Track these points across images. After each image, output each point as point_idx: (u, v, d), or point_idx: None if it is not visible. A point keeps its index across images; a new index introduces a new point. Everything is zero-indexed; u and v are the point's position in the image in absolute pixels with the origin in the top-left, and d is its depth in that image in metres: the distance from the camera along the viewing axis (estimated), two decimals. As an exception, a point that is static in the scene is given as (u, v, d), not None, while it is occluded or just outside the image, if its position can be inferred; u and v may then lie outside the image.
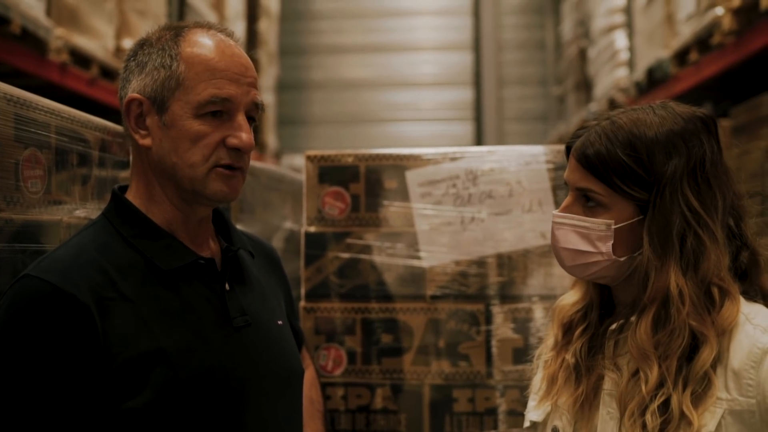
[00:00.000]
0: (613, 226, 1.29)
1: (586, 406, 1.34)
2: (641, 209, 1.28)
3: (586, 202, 1.32)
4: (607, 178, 1.28)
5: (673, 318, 1.24)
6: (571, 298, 1.44)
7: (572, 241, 1.32)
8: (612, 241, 1.29)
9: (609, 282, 1.36)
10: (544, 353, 1.46)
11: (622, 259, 1.30)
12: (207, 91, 1.30)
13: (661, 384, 1.24)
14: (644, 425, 1.23)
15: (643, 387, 1.25)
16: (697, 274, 1.25)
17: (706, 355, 1.22)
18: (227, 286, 1.37)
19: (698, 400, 1.22)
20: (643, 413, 1.24)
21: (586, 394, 1.34)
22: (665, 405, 1.23)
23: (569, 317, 1.41)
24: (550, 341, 1.45)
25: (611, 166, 1.28)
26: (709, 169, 1.28)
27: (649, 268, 1.27)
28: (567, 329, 1.41)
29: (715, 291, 1.26)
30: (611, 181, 1.28)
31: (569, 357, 1.37)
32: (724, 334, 1.24)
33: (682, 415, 1.21)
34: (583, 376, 1.35)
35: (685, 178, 1.27)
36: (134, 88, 1.33)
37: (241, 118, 1.33)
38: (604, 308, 1.40)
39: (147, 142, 1.33)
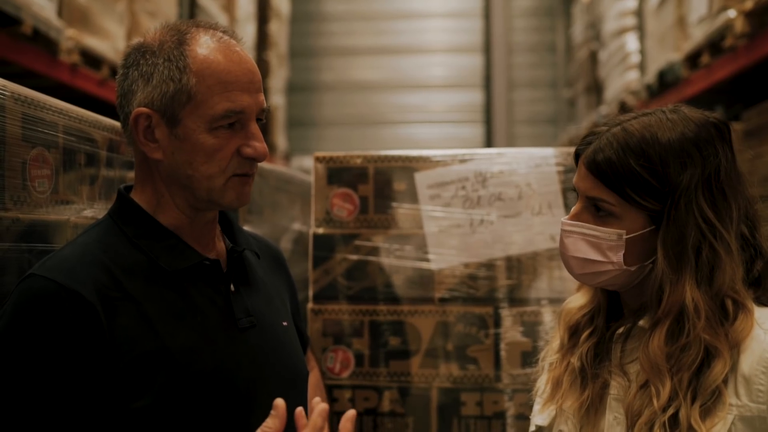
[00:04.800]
0: (625, 237, 1.26)
1: (591, 411, 1.33)
2: (653, 219, 1.26)
3: (596, 211, 1.29)
4: (619, 188, 1.26)
5: (688, 332, 1.22)
6: (578, 301, 1.42)
7: (582, 249, 1.30)
8: (623, 251, 1.27)
9: (618, 288, 1.34)
10: (549, 355, 1.45)
11: (633, 268, 1.28)
12: (221, 105, 1.27)
13: (671, 398, 1.22)
14: None
15: (655, 402, 1.22)
16: (712, 287, 1.23)
17: (719, 369, 1.20)
18: (232, 287, 1.36)
19: (707, 413, 1.20)
20: (651, 427, 1.22)
21: (592, 399, 1.33)
22: (674, 417, 1.21)
23: (576, 321, 1.40)
24: (555, 343, 1.44)
25: (624, 176, 1.25)
26: (723, 178, 1.25)
27: (664, 281, 1.24)
28: (573, 332, 1.40)
29: (729, 303, 1.23)
30: (623, 192, 1.25)
31: (575, 361, 1.36)
32: (737, 346, 1.22)
33: (690, 428, 1.19)
34: (589, 381, 1.34)
35: (700, 189, 1.24)
36: (140, 100, 1.29)
37: (254, 127, 1.31)
38: (611, 312, 1.38)
39: (158, 155, 1.30)
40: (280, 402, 1.18)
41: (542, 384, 1.45)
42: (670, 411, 1.21)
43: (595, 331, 1.37)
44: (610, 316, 1.38)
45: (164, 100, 1.28)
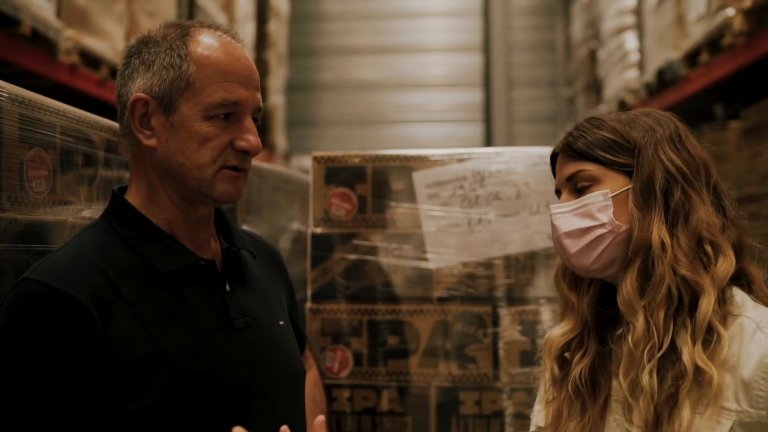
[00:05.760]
0: (610, 195, 1.31)
1: (594, 431, 1.33)
2: (631, 177, 1.31)
3: (578, 192, 1.34)
4: (593, 154, 1.33)
5: (657, 268, 1.26)
6: (560, 329, 1.41)
7: (573, 222, 1.32)
8: (612, 210, 1.30)
9: (617, 270, 1.33)
10: (545, 392, 1.43)
11: (626, 226, 1.30)
12: (218, 93, 1.29)
13: (649, 336, 1.24)
14: (647, 387, 1.23)
15: (630, 339, 1.26)
16: (688, 227, 1.27)
17: (706, 304, 1.23)
18: (228, 287, 1.36)
19: (710, 357, 1.21)
20: (640, 376, 1.24)
21: (594, 420, 1.33)
22: (665, 363, 1.23)
23: (562, 348, 1.39)
24: (547, 375, 1.43)
25: (595, 144, 1.33)
26: (686, 141, 1.33)
27: (633, 223, 1.29)
28: (562, 361, 1.40)
29: (709, 247, 1.27)
30: (597, 155, 1.32)
31: (571, 386, 1.36)
32: (723, 290, 1.26)
33: (698, 370, 1.21)
34: (588, 402, 1.34)
35: (665, 142, 1.32)
36: (139, 87, 1.31)
37: (249, 122, 1.33)
38: (602, 330, 1.38)
39: (152, 142, 1.31)
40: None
41: (540, 419, 1.44)
42: (656, 356, 1.23)
43: (588, 351, 1.37)
44: (602, 333, 1.37)
45: (163, 86, 1.30)
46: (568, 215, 1.33)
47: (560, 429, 1.37)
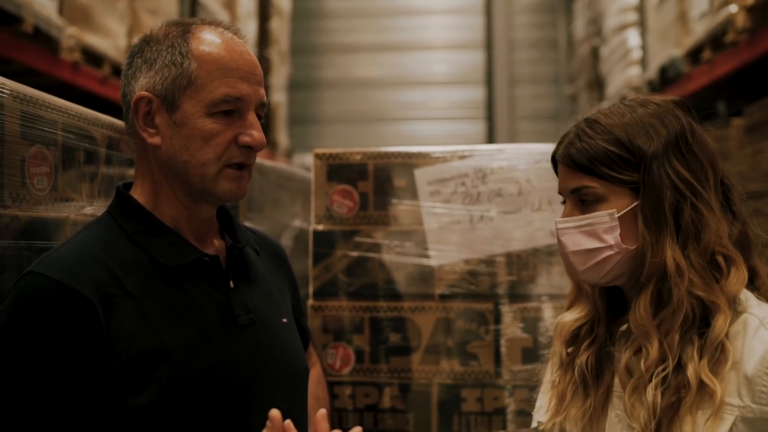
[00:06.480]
0: (616, 215, 1.28)
1: (594, 419, 1.33)
2: (637, 193, 1.28)
3: (583, 204, 1.31)
4: (596, 171, 1.28)
5: (674, 293, 1.24)
6: (572, 314, 1.41)
7: (579, 242, 1.30)
8: (619, 231, 1.28)
9: (626, 281, 1.32)
10: (551, 374, 1.44)
11: (633, 247, 1.28)
12: (220, 90, 1.29)
13: (662, 359, 1.23)
14: (651, 401, 1.22)
15: (642, 363, 1.24)
16: (700, 245, 1.25)
17: (721, 323, 1.22)
18: (232, 284, 1.36)
19: (713, 369, 1.21)
20: (644, 390, 1.23)
21: (594, 407, 1.33)
22: (673, 378, 1.22)
23: (572, 333, 1.39)
24: (555, 359, 1.43)
25: (596, 158, 1.28)
26: (692, 141, 1.29)
27: (645, 246, 1.26)
28: (571, 345, 1.40)
29: (721, 259, 1.25)
30: (601, 172, 1.28)
31: (576, 371, 1.36)
32: (735, 303, 1.24)
33: (702, 384, 1.20)
34: (591, 389, 1.34)
35: (671, 152, 1.27)
36: (142, 85, 1.32)
37: (252, 117, 1.33)
38: (611, 319, 1.38)
39: (156, 140, 1.32)
40: (275, 413, 1.16)
41: (544, 403, 1.44)
42: (660, 375, 1.22)
43: (596, 339, 1.36)
44: (611, 322, 1.37)
45: (165, 84, 1.30)
46: (573, 232, 1.31)
47: (561, 412, 1.37)
